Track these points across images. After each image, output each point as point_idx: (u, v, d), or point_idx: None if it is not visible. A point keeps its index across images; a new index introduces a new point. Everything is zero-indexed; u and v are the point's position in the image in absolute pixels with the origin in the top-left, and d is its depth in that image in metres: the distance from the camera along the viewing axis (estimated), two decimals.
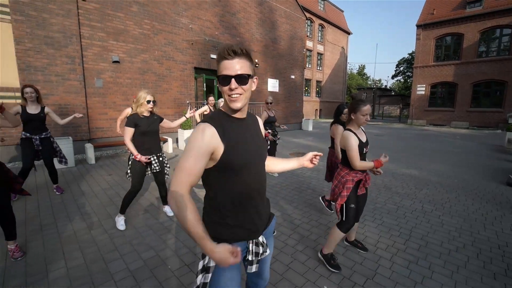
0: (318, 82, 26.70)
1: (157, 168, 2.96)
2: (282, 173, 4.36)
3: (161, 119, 3.06)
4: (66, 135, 6.14)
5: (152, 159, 2.91)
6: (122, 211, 2.96)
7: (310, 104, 25.18)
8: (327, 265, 2.29)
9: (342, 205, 2.21)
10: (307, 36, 22.83)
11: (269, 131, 4.65)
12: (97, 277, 2.11)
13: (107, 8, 6.63)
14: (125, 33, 6.99)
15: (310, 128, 14.16)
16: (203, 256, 1.12)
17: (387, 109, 33.32)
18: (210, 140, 1.01)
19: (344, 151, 2.22)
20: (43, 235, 2.73)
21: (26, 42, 5.52)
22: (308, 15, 20.72)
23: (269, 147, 4.66)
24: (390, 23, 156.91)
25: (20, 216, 3.07)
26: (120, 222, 2.95)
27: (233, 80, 1.02)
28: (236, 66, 1.02)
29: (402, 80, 40.58)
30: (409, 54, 36.60)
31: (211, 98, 5.44)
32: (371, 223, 3.18)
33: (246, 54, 1.06)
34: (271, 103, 4.75)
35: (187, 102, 8.53)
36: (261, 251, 1.18)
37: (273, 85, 12.05)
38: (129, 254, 2.43)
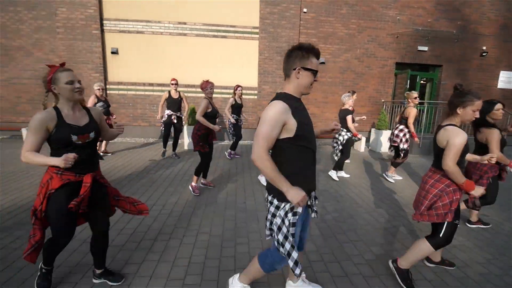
0: None
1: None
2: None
3: None
4: None
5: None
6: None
7: None
8: (400, 282, 1.93)
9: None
10: None
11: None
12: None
13: (321, 15, 7.42)
14: (332, 36, 7.55)
15: None
16: (291, 210, 1.41)
17: None
18: (285, 114, 1.34)
19: (442, 150, 1.82)
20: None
21: (265, 53, 7.34)
22: None
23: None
24: None
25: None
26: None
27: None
28: None
29: None
30: None
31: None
32: None
33: None
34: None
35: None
36: (314, 203, 1.60)
37: (507, 79, 8.68)
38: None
